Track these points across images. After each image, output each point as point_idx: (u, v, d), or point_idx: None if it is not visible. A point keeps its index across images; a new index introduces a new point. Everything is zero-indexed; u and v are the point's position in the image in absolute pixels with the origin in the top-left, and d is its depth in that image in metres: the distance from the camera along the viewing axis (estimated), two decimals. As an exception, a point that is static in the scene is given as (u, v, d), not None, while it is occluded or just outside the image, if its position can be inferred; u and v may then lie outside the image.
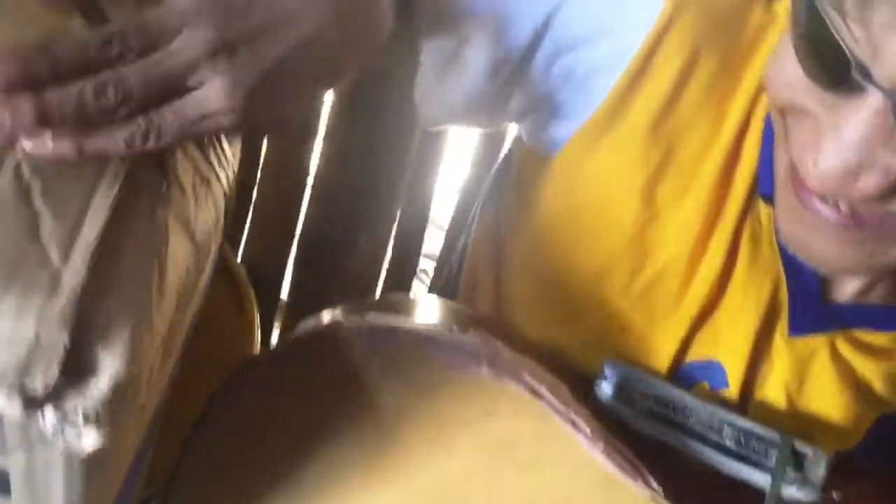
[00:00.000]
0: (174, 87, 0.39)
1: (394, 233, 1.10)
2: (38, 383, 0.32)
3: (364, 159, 1.00)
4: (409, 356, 0.52)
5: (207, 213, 0.46)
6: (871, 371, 0.57)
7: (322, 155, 1.01)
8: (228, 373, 0.54)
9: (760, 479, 0.54)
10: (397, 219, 1.09)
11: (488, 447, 0.52)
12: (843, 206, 0.47)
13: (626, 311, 0.59)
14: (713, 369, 0.58)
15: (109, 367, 0.33)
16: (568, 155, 0.60)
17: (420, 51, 0.61)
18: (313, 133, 1.01)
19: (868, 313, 0.58)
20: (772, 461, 0.54)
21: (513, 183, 0.68)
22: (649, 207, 0.58)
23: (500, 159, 0.76)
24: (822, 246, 0.49)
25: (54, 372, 0.32)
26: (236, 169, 0.51)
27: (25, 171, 0.36)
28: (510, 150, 0.73)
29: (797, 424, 0.57)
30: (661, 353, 0.59)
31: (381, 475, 0.52)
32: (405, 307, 0.59)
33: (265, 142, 1.03)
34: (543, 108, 0.62)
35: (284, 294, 1.12)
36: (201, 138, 0.46)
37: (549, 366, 0.54)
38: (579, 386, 0.54)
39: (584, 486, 0.51)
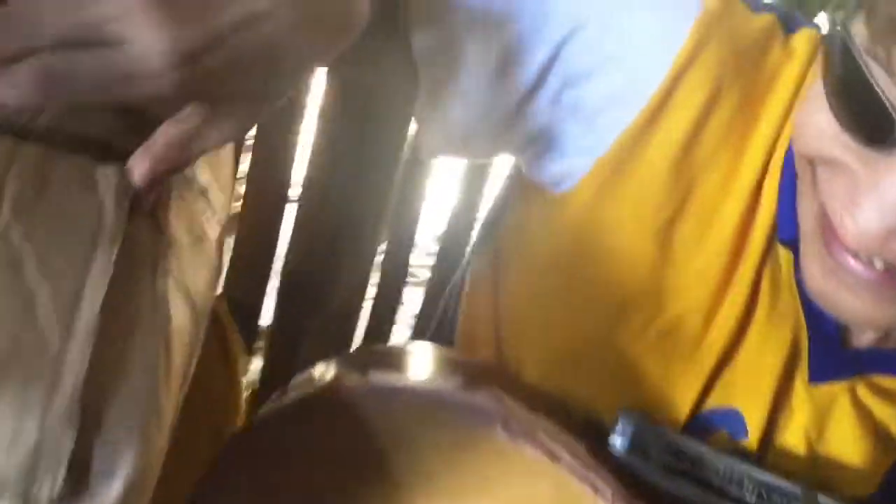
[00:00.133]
0: (97, 35, 0.33)
1: (379, 260, 1.08)
2: (45, 492, 0.29)
3: (348, 187, 0.98)
4: (417, 418, 0.49)
5: (203, 274, 0.42)
6: (889, 416, 0.56)
7: (304, 184, 0.99)
8: (218, 448, 0.50)
9: (783, 533, 0.52)
10: (381, 249, 1.07)
11: (505, 513, 0.49)
12: (878, 264, 0.45)
13: (640, 356, 0.57)
14: (732, 417, 0.57)
15: (122, 468, 0.30)
16: (579, 193, 0.57)
17: (409, 73, 0.58)
18: (292, 158, 0.99)
19: (888, 358, 0.56)
20: (795, 515, 0.52)
21: (513, 224, 0.65)
22: (666, 250, 0.56)
23: (496, 195, 0.73)
24: (852, 302, 0.48)
25: (60, 478, 0.29)
26: (223, 219, 0.48)
27: (15, 237, 0.33)
28: (507, 185, 0.71)
29: (816, 471, 0.56)
30: (679, 401, 0.57)
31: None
32: (406, 361, 0.56)
33: (246, 168, 1.00)
34: (547, 141, 0.58)
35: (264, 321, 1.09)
36: (191, 190, 0.42)
37: (559, 418, 0.51)
38: (587, 432, 0.52)
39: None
